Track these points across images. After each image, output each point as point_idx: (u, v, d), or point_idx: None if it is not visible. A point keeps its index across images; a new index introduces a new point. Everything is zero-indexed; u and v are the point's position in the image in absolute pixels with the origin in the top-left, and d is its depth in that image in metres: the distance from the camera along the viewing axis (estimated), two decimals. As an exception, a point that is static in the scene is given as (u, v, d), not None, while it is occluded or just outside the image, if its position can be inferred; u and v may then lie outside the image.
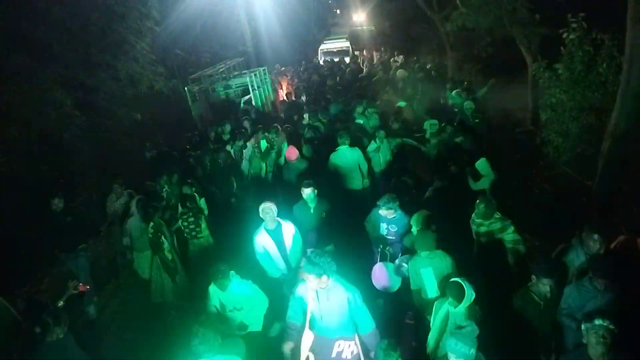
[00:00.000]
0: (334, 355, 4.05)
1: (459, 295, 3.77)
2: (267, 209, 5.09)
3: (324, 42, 24.07)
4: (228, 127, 9.76)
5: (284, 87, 15.11)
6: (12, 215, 7.37)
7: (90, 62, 10.81)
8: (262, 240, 5.16)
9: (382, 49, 21.08)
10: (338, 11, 36.82)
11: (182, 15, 15.53)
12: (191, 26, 16.35)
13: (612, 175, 6.52)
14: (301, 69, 19.07)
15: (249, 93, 12.55)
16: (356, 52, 22.01)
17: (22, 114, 7.92)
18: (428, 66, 15.89)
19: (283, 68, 18.28)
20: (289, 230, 5.22)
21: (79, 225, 6.46)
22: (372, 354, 3.95)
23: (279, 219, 5.20)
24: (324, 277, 3.73)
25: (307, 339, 4.08)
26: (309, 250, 4.34)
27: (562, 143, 7.66)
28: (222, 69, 13.95)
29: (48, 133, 8.83)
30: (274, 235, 5.17)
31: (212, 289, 4.60)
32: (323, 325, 4.01)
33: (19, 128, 7.74)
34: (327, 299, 3.87)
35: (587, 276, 3.90)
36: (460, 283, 3.81)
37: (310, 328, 4.06)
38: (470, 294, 3.78)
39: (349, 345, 4.07)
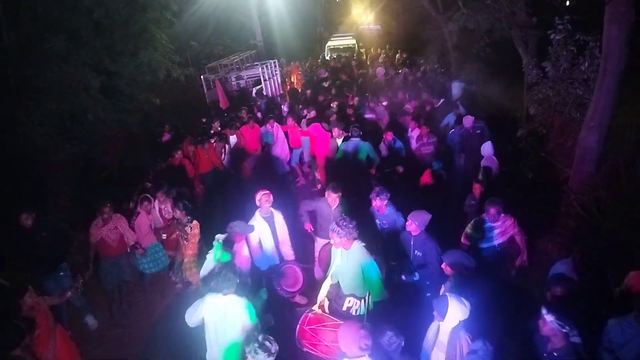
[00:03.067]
0: (344, 308, 4.64)
1: (442, 312, 3.61)
2: (265, 197, 5.56)
3: (331, 39, 24.84)
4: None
5: (294, 79, 15.88)
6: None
7: (114, 49, 11.60)
8: (257, 226, 5.49)
9: (387, 47, 21.79)
10: (346, 10, 37.43)
11: (198, 9, 16.36)
12: (205, 20, 17.18)
13: (587, 163, 7.23)
14: (307, 64, 19.89)
15: (260, 83, 13.33)
16: (362, 50, 22.78)
17: (57, 92, 8.72)
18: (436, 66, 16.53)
19: (292, 63, 19.08)
20: (280, 218, 5.71)
21: (58, 240, 5.77)
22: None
23: (272, 208, 5.66)
24: (344, 239, 4.39)
25: (326, 287, 4.79)
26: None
27: (546, 134, 8.42)
28: (236, 60, 14.78)
29: (76, 112, 9.62)
30: (268, 221, 5.63)
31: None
32: (340, 280, 4.67)
33: (56, 104, 8.54)
34: (347, 260, 4.53)
35: (633, 313, 3.68)
36: (447, 299, 3.64)
37: (332, 278, 4.76)
38: (454, 315, 3.57)
39: (357, 304, 4.64)
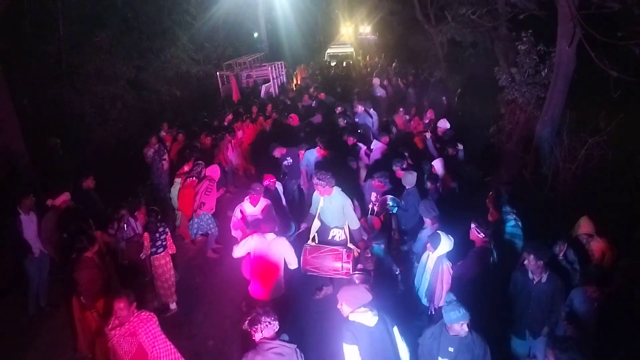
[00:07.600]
0: (329, 238, 6.01)
1: (435, 245, 4.56)
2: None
3: (331, 46, 26.61)
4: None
5: (299, 78, 17.48)
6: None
7: (141, 46, 13.11)
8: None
9: (383, 55, 23.46)
10: (344, 20, 39.24)
11: (212, 16, 18.02)
12: (217, 26, 18.85)
13: (542, 151, 8.79)
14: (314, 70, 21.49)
15: (269, 82, 14.91)
16: (359, 57, 24.52)
17: (103, 79, 10.24)
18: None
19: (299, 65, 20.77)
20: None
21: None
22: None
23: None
24: (327, 187, 5.76)
25: (316, 225, 6.13)
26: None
27: (513, 129, 10.01)
28: (249, 60, 16.39)
29: (113, 98, 11.13)
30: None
31: None
32: (326, 218, 6.05)
33: (101, 89, 10.06)
34: (330, 202, 5.93)
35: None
36: (439, 234, 4.59)
37: (319, 218, 6.13)
38: (442, 247, 4.51)
39: (339, 233, 5.96)
